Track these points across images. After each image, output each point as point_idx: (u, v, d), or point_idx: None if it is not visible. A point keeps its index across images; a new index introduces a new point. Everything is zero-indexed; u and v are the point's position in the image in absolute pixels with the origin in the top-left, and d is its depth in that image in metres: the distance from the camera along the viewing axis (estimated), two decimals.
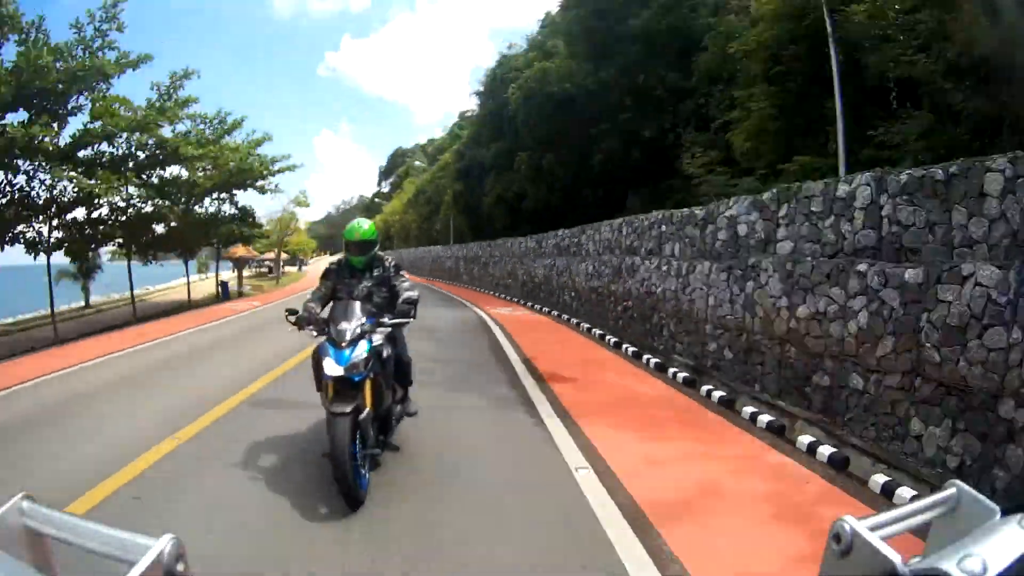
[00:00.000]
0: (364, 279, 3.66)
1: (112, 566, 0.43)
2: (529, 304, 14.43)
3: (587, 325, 10.18)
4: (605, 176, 15.38)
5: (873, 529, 0.39)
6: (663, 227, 7.69)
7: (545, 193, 18.13)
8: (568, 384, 6.16)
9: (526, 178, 18.86)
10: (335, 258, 3.97)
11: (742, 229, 5.68)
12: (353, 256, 3.66)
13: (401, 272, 3.79)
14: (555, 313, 12.33)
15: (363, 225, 3.72)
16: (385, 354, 3.38)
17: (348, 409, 2.98)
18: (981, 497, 0.43)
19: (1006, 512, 0.41)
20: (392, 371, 3.54)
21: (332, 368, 3.07)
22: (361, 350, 3.10)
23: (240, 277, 27.09)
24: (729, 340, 5.81)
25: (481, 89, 24.26)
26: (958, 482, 0.45)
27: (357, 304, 3.35)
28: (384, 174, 71.26)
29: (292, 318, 3.48)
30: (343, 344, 3.10)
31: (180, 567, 0.42)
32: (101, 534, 0.45)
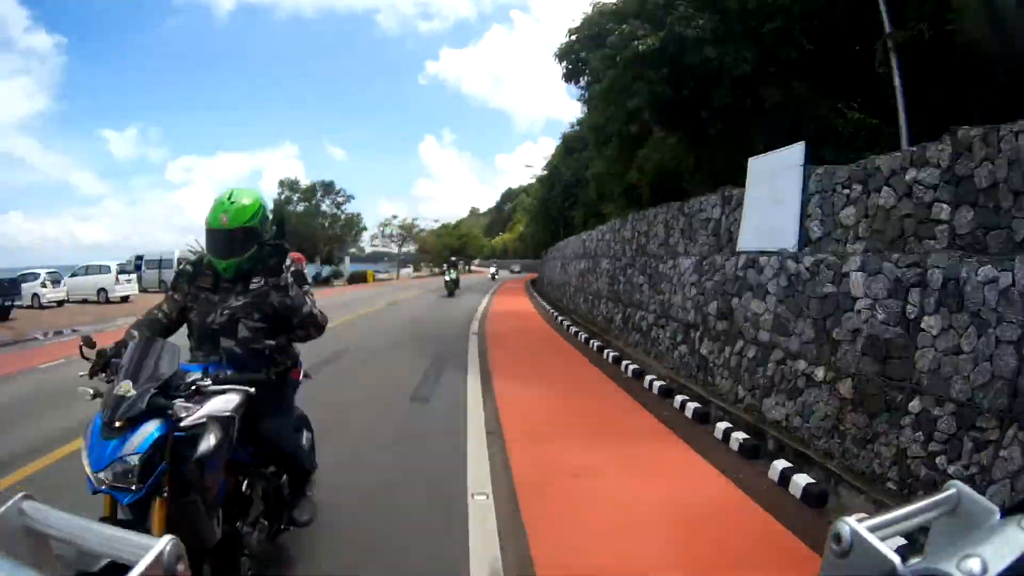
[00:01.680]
0: (233, 294, 2.15)
1: (112, 566, 0.43)
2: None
3: None
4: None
5: (873, 530, 0.39)
6: None
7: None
8: None
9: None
10: (195, 256, 2.42)
11: None
12: (216, 256, 2.11)
13: (305, 283, 2.25)
14: None
15: (239, 200, 2.10)
16: (211, 442, 1.75)
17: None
18: (981, 498, 0.43)
19: (1006, 513, 0.41)
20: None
21: (88, 470, 1.64)
22: (141, 438, 1.62)
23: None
24: None
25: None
26: (958, 483, 0.45)
27: (162, 344, 1.85)
28: (501, 201, 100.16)
29: (90, 355, 1.94)
30: (113, 424, 1.61)
31: (180, 567, 0.42)
32: (101, 534, 0.45)
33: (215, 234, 2.08)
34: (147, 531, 1.61)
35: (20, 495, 0.49)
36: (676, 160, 10.88)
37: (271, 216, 2.20)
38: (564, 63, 12.70)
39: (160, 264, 22.33)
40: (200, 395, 1.78)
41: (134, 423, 1.62)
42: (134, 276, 19.93)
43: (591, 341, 9.18)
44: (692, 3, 8.61)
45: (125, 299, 18.31)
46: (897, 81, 6.62)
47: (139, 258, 23.64)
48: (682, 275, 6.78)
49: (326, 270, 35.58)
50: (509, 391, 5.79)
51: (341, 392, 5.56)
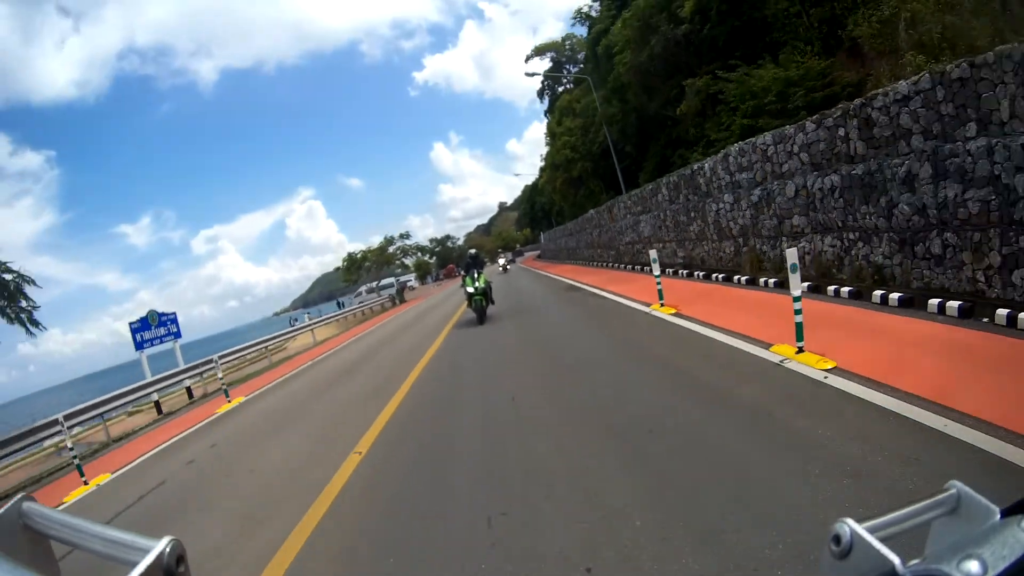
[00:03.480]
0: (475, 267, 12.33)
1: (112, 566, 0.43)
2: None
3: None
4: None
5: (873, 531, 0.39)
6: None
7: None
8: None
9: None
10: (472, 251, 13.28)
11: None
12: (473, 260, 12.61)
13: (483, 266, 12.85)
14: None
15: (473, 251, 13.10)
16: (487, 285, 12.08)
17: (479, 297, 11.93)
18: (981, 498, 0.43)
19: (1006, 513, 0.41)
20: (489, 292, 12.12)
21: (470, 290, 11.98)
22: (482, 283, 11.89)
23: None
24: None
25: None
26: (958, 483, 0.45)
27: (476, 272, 12.12)
28: (523, 196, 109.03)
29: (463, 278, 12.38)
30: (477, 283, 11.88)
31: (180, 568, 0.42)
32: (101, 534, 0.45)
33: (474, 256, 12.90)
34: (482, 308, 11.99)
35: (20, 495, 0.49)
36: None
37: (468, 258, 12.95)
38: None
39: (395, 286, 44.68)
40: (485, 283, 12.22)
41: (481, 283, 12.17)
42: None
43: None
44: None
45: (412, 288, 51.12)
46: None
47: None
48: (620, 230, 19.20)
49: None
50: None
51: None
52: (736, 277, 9.43)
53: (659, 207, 13.93)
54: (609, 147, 23.14)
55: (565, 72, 39.35)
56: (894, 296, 5.70)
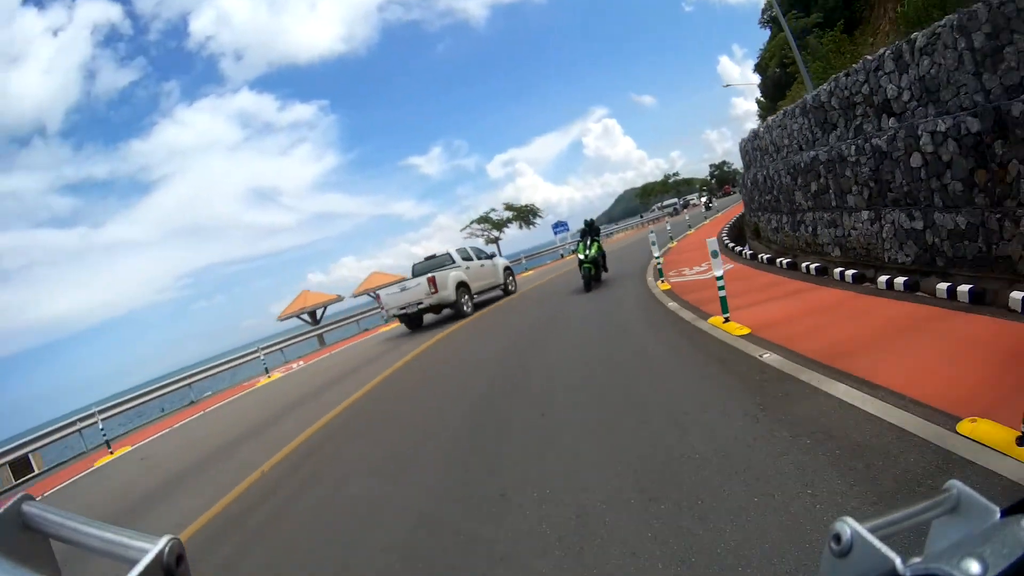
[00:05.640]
0: (590, 235, 12.36)
1: (112, 566, 0.43)
2: None
3: None
4: None
5: (873, 530, 0.39)
6: None
7: None
8: None
9: None
10: (588, 219, 13.27)
11: None
12: (588, 227, 12.69)
13: (599, 234, 12.69)
14: None
15: (588, 219, 13.05)
16: (599, 254, 12.24)
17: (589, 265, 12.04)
18: (981, 498, 0.43)
19: (1006, 512, 0.41)
20: (601, 260, 12.40)
21: (581, 256, 12.19)
22: (594, 251, 12.05)
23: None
24: None
25: None
26: (958, 483, 0.45)
27: (590, 240, 12.21)
28: None
29: (578, 244, 12.48)
30: (588, 251, 12.03)
31: (180, 567, 0.42)
32: (101, 534, 0.45)
33: (589, 224, 13.03)
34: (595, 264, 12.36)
35: (20, 495, 0.49)
36: None
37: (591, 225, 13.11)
38: None
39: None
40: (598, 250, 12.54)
41: (593, 251, 12.33)
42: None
43: None
44: None
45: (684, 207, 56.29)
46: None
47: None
48: None
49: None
50: None
51: None
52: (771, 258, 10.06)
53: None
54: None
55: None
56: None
